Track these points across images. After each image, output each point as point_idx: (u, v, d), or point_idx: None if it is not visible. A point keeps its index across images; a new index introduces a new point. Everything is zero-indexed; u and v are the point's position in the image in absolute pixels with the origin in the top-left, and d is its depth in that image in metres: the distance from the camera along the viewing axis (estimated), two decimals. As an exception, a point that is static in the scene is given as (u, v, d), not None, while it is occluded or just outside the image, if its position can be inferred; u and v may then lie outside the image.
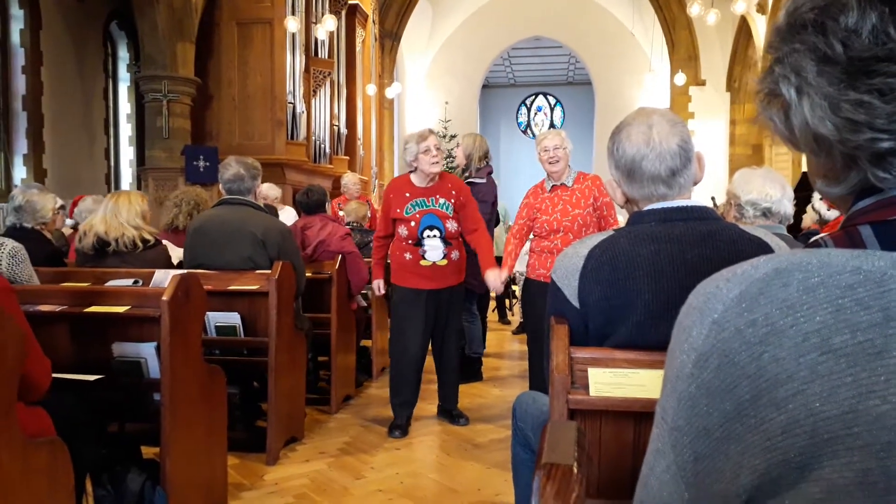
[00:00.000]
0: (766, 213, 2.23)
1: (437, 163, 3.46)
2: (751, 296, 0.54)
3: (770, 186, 2.23)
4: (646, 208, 1.42)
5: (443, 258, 3.52)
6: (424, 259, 3.52)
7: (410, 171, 3.61)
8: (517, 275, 6.93)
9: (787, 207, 2.24)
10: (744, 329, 0.53)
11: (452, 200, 3.53)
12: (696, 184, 1.46)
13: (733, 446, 0.53)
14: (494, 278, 3.57)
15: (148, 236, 3.10)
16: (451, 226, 3.53)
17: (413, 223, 3.50)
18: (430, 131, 3.57)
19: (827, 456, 0.48)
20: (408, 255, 3.55)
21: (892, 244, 0.56)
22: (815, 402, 0.49)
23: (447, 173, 3.68)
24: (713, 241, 1.35)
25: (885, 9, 0.53)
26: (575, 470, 0.67)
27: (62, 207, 4.05)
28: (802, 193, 6.11)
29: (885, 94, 0.54)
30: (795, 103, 0.59)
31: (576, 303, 1.39)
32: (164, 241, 3.52)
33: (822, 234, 0.62)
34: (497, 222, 5.40)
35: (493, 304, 7.59)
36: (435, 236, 3.50)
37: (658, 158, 1.39)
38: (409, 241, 3.53)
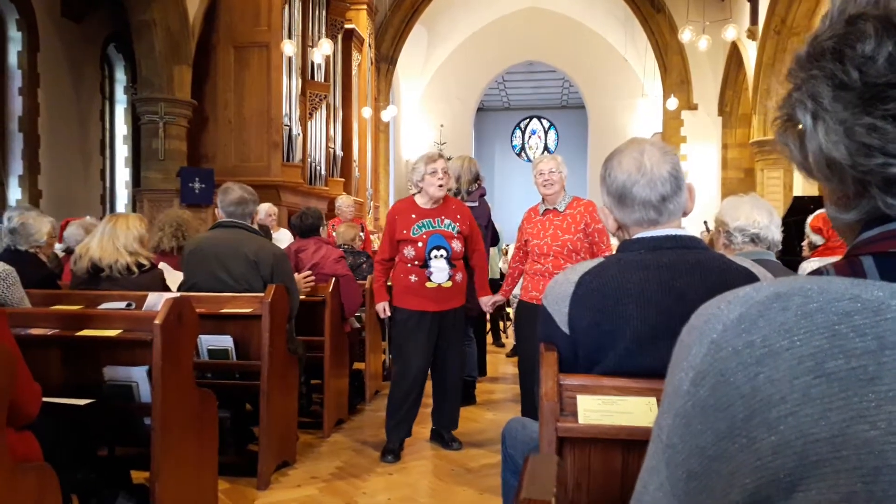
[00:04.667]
0: (755, 239, 2.26)
1: (443, 186, 3.51)
2: (750, 318, 0.55)
3: (758, 213, 2.26)
4: (635, 236, 1.44)
5: (447, 280, 3.54)
6: (430, 281, 3.54)
7: (414, 194, 3.64)
8: (512, 298, 6.92)
9: (775, 234, 2.26)
10: (741, 350, 0.54)
11: (458, 223, 3.57)
12: (685, 215, 1.48)
13: (725, 465, 0.53)
14: (485, 302, 3.87)
15: (144, 261, 3.05)
16: (457, 245, 3.56)
17: (420, 244, 3.52)
18: (440, 154, 3.63)
19: (815, 478, 0.49)
20: (413, 277, 3.55)
21: (893, 276, 0.56)
22: (806, 425, 0.50)
23: (450, 196, 3.73)
24: (702, 269, 1.36)
25: None
26: (553, 504, 0.67)
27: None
28: (794, 218, 6.14)
29: None
30: (811, 128, 0.60)
31: (566, 329, 1.40)
32: (162, 264, 3.52)
33: (825, 263, 0.63)
34: (495, 242, 5.41)
35: (487, 326, 7.56)
36: (441, 256, 3.52)
37: (649, 184, 1.41)
38: (416, 263, 3.54)
